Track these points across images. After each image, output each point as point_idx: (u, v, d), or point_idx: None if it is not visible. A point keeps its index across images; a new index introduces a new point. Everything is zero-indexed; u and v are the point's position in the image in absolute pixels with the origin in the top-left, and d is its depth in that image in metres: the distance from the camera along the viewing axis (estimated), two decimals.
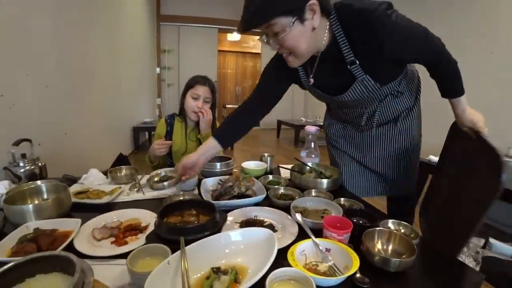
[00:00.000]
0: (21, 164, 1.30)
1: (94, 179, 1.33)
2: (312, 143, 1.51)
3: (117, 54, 3.76)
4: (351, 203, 1.09)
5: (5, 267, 0.54)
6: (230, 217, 0.96)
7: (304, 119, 6.47)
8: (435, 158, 2.44)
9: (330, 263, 0.70)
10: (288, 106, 7.58)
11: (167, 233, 0.78)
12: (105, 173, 1.40)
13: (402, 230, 0.89)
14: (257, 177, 1.31)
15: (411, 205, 1.43)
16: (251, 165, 1.52)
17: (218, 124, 1.78)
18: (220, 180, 1.22)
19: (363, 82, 1.03)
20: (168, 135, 1.71)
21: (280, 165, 1.56)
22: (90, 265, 0.58)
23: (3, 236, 0.80)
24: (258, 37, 0.97)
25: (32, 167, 1.32)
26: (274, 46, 0.95)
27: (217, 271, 0.65)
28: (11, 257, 0.72)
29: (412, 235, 0.85)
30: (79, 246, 0.78)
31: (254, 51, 9.14)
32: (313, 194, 1.16)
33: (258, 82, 1.22)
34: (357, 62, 0.98)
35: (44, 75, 1.96)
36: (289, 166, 1.44)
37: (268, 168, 1.55)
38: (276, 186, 1.23)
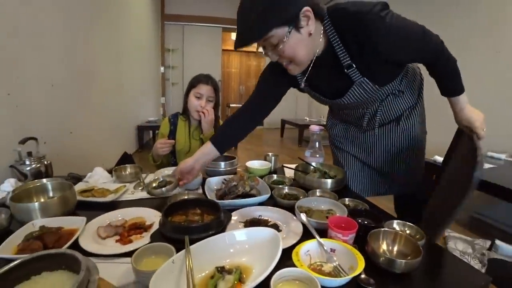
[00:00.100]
0: (27, 162, 1.31)
1: (99, 178, 1.34)
2: (317, 143, 1.51)
3: (122, 53, 3.78)
4: (356, 203, 1.08)
5: (11, 264, 0.54)
6: (234, 217, 0.96)
7: (308, 119, 6.46)
8: (440, 159, 2.42)
9: (335, 264, 0.70)
10: (292, 105, 7.56)
11: (171, 232, 0.79)
12: (110, 171, 1.41)
13: (408, 231, 0.88)
14: (262, 177, 1.31)
15: (419, 203, 1.42)
16: (255, 164, 1.52)
17: (221, 122, 1.77)
18: (225, 179, 1.22)
19: (361, 85, 1.02)
20: (172, 134, 1.72)
21: (284, 165, 1.56)
22: (95, 263, 0.58)
23: (9, 233, 0.80)
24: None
25: (38, 165, 1.33)
26: (273, 57, 0.94)
27: (221, 270, 0.65)
28: (17, 255, 0.73)
29: (417, 236, 0.85)
30: (84, 244, 0.79)
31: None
32: (318, 194, 1.15)
33: (256, 86, 1.21)
34: (354, 65, 0.97)
35: (49, 74, 1.97)
36: (293, 166, 1.43)
37: (272, 168, 1.55)
38: (280, 186, 1.23)
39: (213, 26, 6.70)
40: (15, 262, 0.55)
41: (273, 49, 0.90)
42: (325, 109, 1.39)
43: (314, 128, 1.50)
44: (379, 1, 0.87)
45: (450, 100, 1.05)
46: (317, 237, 0.76)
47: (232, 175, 1.23)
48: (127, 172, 1.40)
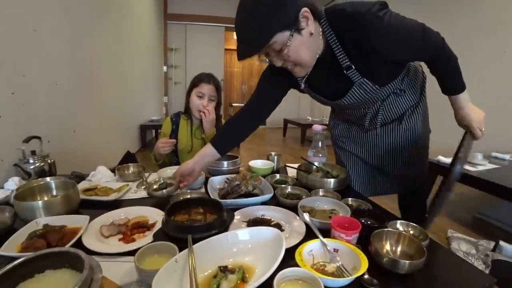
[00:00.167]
0: (31, 161, 1.32)
1: (102, 176, 1.34)
2: (319, 142, 1.50)
3: (124, 52, 3.79)
4: (359, 203, 1.08)
5: (15, 262, 0.54)
6: (237, 216, 0.95)
7: (310, 118, 6.44)
8: (444, 159, 2.41)
9: (338, 264, 0.70)
10: (295, 105, 7.55)
11: (174, 231, 0.79)
12: (112, 170, 1.41)
13: (411, 231, 0.88)
14: (264, 176, 1.31)
15: (423, 201, 1.41)
16: (258, 163, 1.52)
17: (223, 121, 1.77)
18: (227, 178, 1.22)
19: (361, 86, 1.01)
20: (174, 134, 1.72)
21: (287, 164, 1.55)
22: (98, 261, 0.58)
23: (13, 231, 0.81)
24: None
25: (42, 164, 1.34)
26: (278, 62, 0.94)
27: (224, 270, 0.65)
28: (21, 253, 0.73)
29: (421, 237, 0.84)
30: (87, 242, 0.79)
31: None
32: (321, 194, 1.15)
33: (256, 87, 1.20)
34: (353, 66, 0.96)
35: (53, 73, 1.98)
36: (296, 165, 1.43)
37: (275, 167, 1.54)
38: (283, 185, 1.22)
39: (215, 26, 6.70)
40: (19, 260, 0.55)
41: (277, 55, 0.90)
42: (328, 108, 1.39)
43: (317, 127, 1.50)
44: (377, 1, 0.86)
45: (450, 98, 1.05)
46: (320, 237, 0.76)
47: (235, 175, 1.23)
48: (130, 171, 1.40)
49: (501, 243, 1.84)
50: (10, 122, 1.50)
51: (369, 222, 0.90)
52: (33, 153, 1.35)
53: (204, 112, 1.61)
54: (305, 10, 0.84)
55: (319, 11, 0.91)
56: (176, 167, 1.44)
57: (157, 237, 0.80)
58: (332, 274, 0.67)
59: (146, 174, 1.38)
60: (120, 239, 0.84)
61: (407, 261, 0.68)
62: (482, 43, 3.17)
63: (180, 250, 0.67)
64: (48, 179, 1.11)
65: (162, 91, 6.51)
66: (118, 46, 3.51)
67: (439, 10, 3.59)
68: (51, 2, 1.95)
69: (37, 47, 1.77)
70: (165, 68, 6.55)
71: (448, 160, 2.35)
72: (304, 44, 0.88)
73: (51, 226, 0.84)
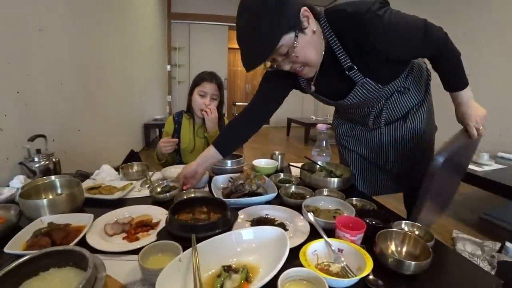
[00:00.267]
0: (36, 160, 1.33)
1: (106, 175, 1.35)
2: (324, 142, 1.49)
3: (128, 51, 3.80)
4: (364, 203, 1.07)
5: (20, 260, 0.55)
6: (241, 215, 0.95)
7: (314, 117, 6.43)
8: None
9: (342, 264, 0.69)
10: (298, 104, 7.54)
11: (178, 230, 0.79)
12: (117, 169, 1.41)
13: (416, 232, 0.87)
14: (268, 175, 1.31)
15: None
16: (262, 163, 1.52)
17: (226, 120, 1.77)
18: (231, 177, 1.21)
19: (364, 86, 1.00)
20: (176, 133, 1.71)
21: (290, 164, 1.55)
22: (102, 260, 0.58)
23: (18, 229, 0.81)
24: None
25: (47, 162, 1.35)
26: (286, 66, 0.93)
27: (228, 269, 0.65)
28: (26, 251, 0.73)
29: (426, 237, 0.83)
30: (92, 241, 0.79)
31: None
32: (325, 193, 1.14)
33: (258, 88, 1.20)
34: (355, 67, 0.95)
35: (57, 72, 1.99)
36: (300, 165, 1.42)
37: (279, 166, 1.54)
38: (287, 185, 1.22)
39: (219, 25, 6.71)
40: (24, 258, 0.55)
41: (284, 58, 0.89)
42: (331, 108, 1.38)
43: (321, 126, 1.49)
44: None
45: (452, 94, 1.03)
46: (325, 237, 0.75)
47: (238, 174, 1.22)
48: (134, 170, 1.41)
49: (507, 244, 1.82)
50: (15, 121, 1.51)
51: (374, 222, 0.90)
52: (38, 151, 1.36)
53: (206, 111, 1.60)
54: (304, 9, 0.84)
55: (316, 10, 0.91)
56: (180, 166, 1.45)
57: (161, 236, 0.80)
58: (337, 275, 0.67)
59: (150, 173, 1.38)
60: (124, 238, 0.84)
61: (413, 262, 0.67)
62: (490, 43, 3.14)
63: (184, 249, 0.67)
64: (53, 177, 1.11)
65: (165, 90, 6.53)
66: (122, 45, 3.52)
67: (446, 11, 3.56)
68: (56, 2, 1.96)
69: (42, 46, 1.78)
70: (168, 67, 6.57)
71: None
72: (309, 43, 0.88)
73: (55, 224, 0.84)
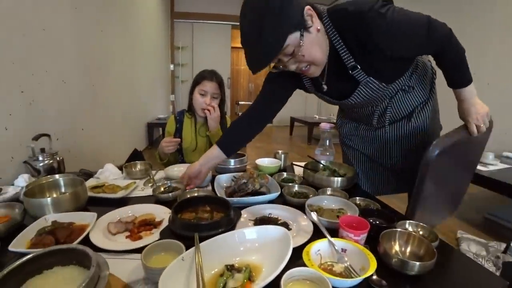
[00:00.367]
0: (40, 158, 1.34)
1: (109, 174, 1.35)
2: (327, 141, 1.49)
3: (132, 51, 3.81)
4: (367, 202, 1.06)
5: (24, 258, 0.55)
6: (244, 214, 0.95)
7: (317, 116, 6.41)
8: None
9: (346, 264, 0.69)
10: (301, 103, 7.51)
11: (181, 229, 0.79)
12: (120, 168, 1.42)
13: (421, 232, 0.86)
14: (271, 174, 1.30)
15: None
16: (265, 162, 1.51)
17: (228, 119, 1.76)
18: (234, 176, 1.21)
19: (367, 85, 1.00)
20: (178, 132, 1.71)
21: (293, 163, 1.54)
22: (105, 259, 0.59)
23: (22, 228, 0.82)
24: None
25: (51, 161, 1.36)
26: (292, 67, 0.92)
27: (231, 268, 0.65)
28: (30, 249, 0.74)
29: (430, 237, 0.83)
30: (95, 239, 0.79)
31: None
32: (329, 192, 1.14)
33: (262, 88, 1.20)
34: (359, 66, 0.95)
35: (61, 71, 2.00)
36: (303, 164, 1.42)
37: (282, 166, 1.54)
38: (290, 184, 1.22)
39: (222, 24, 6.70)
40: (28, 256, 0.55)
41: (290, 58, 0.89)
42: (335, 107, 1.37)
43: (325, 125, 1.48)
44: None
45: (455, 90, 1.02)
46: (328, 236, 0.75)
47: (241, 173, 1.22)
48: (137, 169, 1.41)
49: None
50: (20, 120, 1.52)
51: (377, 222, 0.89)
52: (42, 150, 1.37)
53: (208, 110, 1.59)
54: (308, 8, 0.84)
55: (319, 9, 0.91)
56: (182, 165, 1.45)
57: (163, 235, 0.80)
58: (340, 275, 0.67)
59: (153, 172, 1.39)
60: (127, 237, 0.84)
61: (417, 262, 0.66)
62: (495, 42, 3.11)
63: (187, 248, 0.67)
64: (57, 176, 1.12)
65: (169, 89, 6.54)
66: (125, 45, 3.53)
67: (449, 10, 3.52)
68: (59, 1, 1.97)
69: (46, 46, 1.79)
70: (172, 66, 6.58)
71: None
72: (314, 42, 0.88)
73: (59, 223, 0.85)
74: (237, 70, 9.29)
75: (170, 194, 1.09)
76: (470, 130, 1.00)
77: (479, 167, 2.25)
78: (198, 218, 0.90)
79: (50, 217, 0.87)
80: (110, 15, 3.01)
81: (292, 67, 0.93)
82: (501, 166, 2.34)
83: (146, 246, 0.69)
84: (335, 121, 1.51)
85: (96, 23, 2.64)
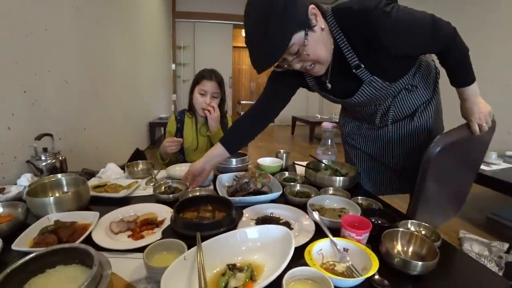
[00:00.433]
0: (43, 158, 1.34)
1: (111, 173, 1.36)
2: (329, 140, 1.49)
3: (134, 50, 3.82)
4: (369, 202, 1.06)
5: (27, 257, 0.55)
6: (245, 214, 0.95)
7: (319, 116, 6.40)
8: None
9: (348, 264, 0.69)
10: (303, 102, 7.51)
11: (183, 228, 0.79)
12: (122, 167, 1.42)
13: (423, 232, 0.86)
14: (273, 174, 1.30)
15: None
16: (266, 161, 1.51)
17: (229, 118, 1.76)
18: (236, 176, 1.21)
19: (371, 84, 1.00)
20: (179, 132, 1.71)
21: (295, 162, 1.54)
22: (107, 258, 0.59)
23: (25, 227, 0.82)
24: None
25: (53, 160, 1.36)
26: (297, 66, 0.93)
27: (233, 268, 0.65)
28: (33, 248, 0.74)
29: (433, 237, 0.82)
30: (97, 238, 0.80)
31: None
32: (331, 192, 1.13)
33: (265, 87, 1.20)
34: (362, 65, 0.95)
35: (64, 71, 2.01)
36: (305, 163, 1.42)
37: (284, 165, 1.53)
38: (292, 183, 1.21)
39: (224, 23, 6.71)
40: (31, 255, 0.56)
41: (295, 58, 0.89)
42: (337, 106, 1.37)
43: (327, 125, 1.48)
44: None
45: (458, 89, 1.02)
46: (330, 236, 0.75)
47: (243, 172, 1.22)
48: (139, 168, 1.41)
49: None
50: (22, 120, 1.53)
51: (379, 222, 0.89)
52: (45, 150, 1.38)
53: (209, 110, 1.59)
54: (312, 7, 0.84)
55: (324, 8, 0.91)
56: (184, 164, 1.45)
57: (165, 234, 0.80)
58: (342, 274, 0.66)
59: (155, 171, 1.39)
60: (129, 236, 0.84)
61: (419, 262, 0.66)
62: (498, 42, 3.11)
63: (189, 248, 0.67)
64: (59, 175, 1.12)
65: (170, 89, 6.56)
66: (127, 44, 3.54)
67: (453, 10, 3.51)
68: (61, 1, 1.98)
69: (48, 46, 1.80)
70: (173, 66, 6.59)
71: None
72: (319, 41, 0.88)
73: (62, 222, 0.85)
74: (239, 69, 9.29)
75: (170, 195, 1.09)
76: (473, 129, 1.01)
77: (482, 166, 2.24)
78: (200, 217, 0.90)
79: (52, 216, 0.87)
80: (112, 15, 3.02)
81: (297, 66, 0.92)
82: (504, 165, 2.34)
83: (148, 245, 0.70)
84: (337, 120, 1.50)
85: (98, 23, 2.64)
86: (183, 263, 0.63)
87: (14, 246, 0.72)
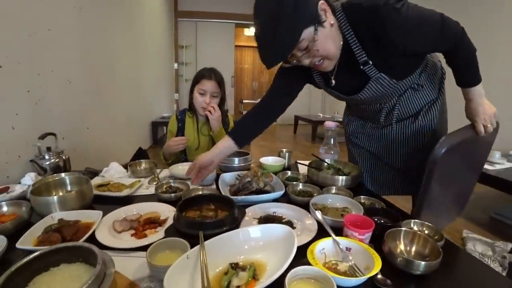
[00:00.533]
0: (47, 157, 1.35)
1: (114, 172, 1.36)
2: (332, 139, 1.48)
3: (136, 50, 3.83)
4: (372, 201, 1.06)
5: (31, 256, 0.56)
6: (248, 213, 0.95)
7: (321, 115, 6.39)
8: None
9: (350, 263, 0.69)
10: (306, 101, 7.49)
11: (186, 227, 0.79)
12: (125, 166, 1.43)
13: (426, 231, 0.85)
14: (275, 173, 1.30)
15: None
16: (269, 160, 1.51)
17: (230, 117, 1.76)
18: (238, 175, 1.21)
19: (378, 81, 1.00)
20: (180, 132, 1.71)
21: (298, 161, 1.54)
22: (111, 256, 0.59)
23: (30, 225, 0.83)
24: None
25: (57, 160, 1.37)
26: (305, 61, 0.93)
27: (235, 267, 0.65)
28: (37, 246, 0.74)
29: (436, 237, 0.82)
30: (101, 237, 0.80)
31: None
32: (333, 191, 1.13)
33: (273, 82, 1.21)
34: (370, 62, 0.95)
35: (67, 71, 2.01)
36: (307, 162, 1.41)
37: (286, 164, 1.53)
38: (294, 183, 1.21)
39: (226, 22, 6.70)
40: (35, 254, 0.56)
41: (304, 53, 0.89)
42: (339, 105, 1.37)
43: (330, 124, 1.47)
44: None
45: (464, 89, 1.02)
46: (333, 235, 0.75)
47: (246, 171, 1.22)
48: (142, 167, 1.42)
49: None
50: (26, 119, 1.54)
51: (382, 221, 0.89)
52: (49, 149, 1.38)
53: (209, 111, 1.58)
54: (322, 2, 0.84)
55: (333, 4, 0.91)
56: (186, 163, 1.45)
57: (168, 233, 0.81)
58: (345, 273, 0.66)
59: (158, 170, 1.39)
60: (132, 235, 0.84)
61: (422, 262, 0.66)
62: (502, 42, 3.09)
63: (192, 247, 0.68)
64: (63, 174, 1.13)
65: (173, 88, 6.57)
66: (130, 44, 3.55)
67: (457, 11, 3.48)
68: (64, 1, 1.99)
69: (51, 46, 1.81)
70: (176, 65, 6.60)
71: None
72: (328, 36, 0.88)
73: (65, 221, 0.85)
74: (241, 68, 9.28)
75: (172, 194, 1.09)
76: (478, 130, 1.00)
77: (486, 166, 2.23)
78: (202, 216, 0.90)
79: (56, 215, 0.88)
80: (115, 15, 3.03)
81: (306, 61, 0.93)
82: (508, 165, 2.32)
83: (151, 244, 0.70)
84: (339, 119, 1.50)
85: (101, 23, 2.65)
86: (186, 262, 0.63)
87: (18, 245, 0.73)
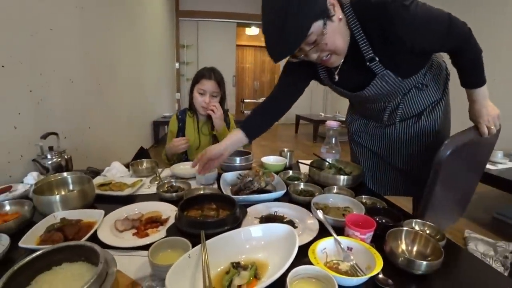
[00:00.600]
0: (49, 157, 1.35)
1: (116, 172, 1.37)
2: (333, 139, 1.48)
3: (138, 49, 3.83)
4: (374, 201, 1.06)
5: (34, 255, 0.56)
6: (249, 212, 0.95)
7: (323, 114, 6.38)
8: None
9: (352, 263, 0.69)
10: (307, 101, 7.49)
11: (187, 227, 0.79)
12: (126, 166, 1.43)
13: (428, 231, 0.85)
14: (277, 172, 1.30)
15: None
16: (270, 160, 1.51)
17: (230, 116, 1.76)
18: (240, 174, 1.21)
19: (383, 78, 1.00)
20: (181, 131, 1.71)
21: (299, 161, 1.54)
22: (113, 255, 0.59)
23: (32, 224, 0.83)
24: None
25: (59, 159, 1.37)
26: (313, 56, 0.93)
27: (237, 266, 0.65)
28: (39, 245, 0.75)
29: (437, 237, 0.82)
30: (102, 236, 0.80)
31: None
32: (335, 191, 1.13)
33: (279, 79, 1.22)
34: (377, 58, 0.95)
35: (68, 71, 2.02)
36: (308, 162, 1.41)
37: (288, 164, 1.53)
38: (296, 182, 1.21)
39: (227, 22, 6.70)
40: (38, 253, 0.56)
41: (312, 47, 0.89)
42: (341, 105, 1.37)
43: (332, 123, 1.47)
44: None
45: (468, 90, 1.02)
46: (334, 235, 0.75)
47: (247, 171, 1.22)
48: (144, 167, 1.42)
49: None
50: (28, 119, 1.54)
51: (384, 221, 0.89)
52: (51, 149, 1.39)
53: (212, 110, 1.58)
54: None
55: (342, 0, 0.91)
56: (188, 163, 1.46)
57: (170, 232, 0.81)
58: (346, 273, 0.66)
59: (160, 170, 1.40)
60: (134, 234, 0.85)
61: (424, 262, 0.66)
62: (506, 43, 3.08)
63: (193, 246, 0.68)
64: (65, 174, 1.13)
65: (174, 87, 6.57)
66: (131, 44, 3.55)
67: (461, 11, 3.47)
68: (66, 1, 1.99)
69: (53, 46, 1.81)
70: (177, 64, 6.60)
71: None
72: (337, 31, 0.89)
73: (68, 220, 0.86)
74: (242, 68, 9.28)
75: (173, 194, 1.09)
76: (481, 131, 1.00)
77: (488, 165, 2.22)
78: (204, 215, 0.90)
79: (58, 214, 0.88)
80: (116, 15, 3.03)
81: (314, 56, 0.93)
82: (510, 164, 2.31)
83: (152, 243, 0.70)
84: (341, 119, 1.50)
85: (103, 22, 2.66)
86: (187, 261, 0.63)
87: (21, 244, 0.73)
